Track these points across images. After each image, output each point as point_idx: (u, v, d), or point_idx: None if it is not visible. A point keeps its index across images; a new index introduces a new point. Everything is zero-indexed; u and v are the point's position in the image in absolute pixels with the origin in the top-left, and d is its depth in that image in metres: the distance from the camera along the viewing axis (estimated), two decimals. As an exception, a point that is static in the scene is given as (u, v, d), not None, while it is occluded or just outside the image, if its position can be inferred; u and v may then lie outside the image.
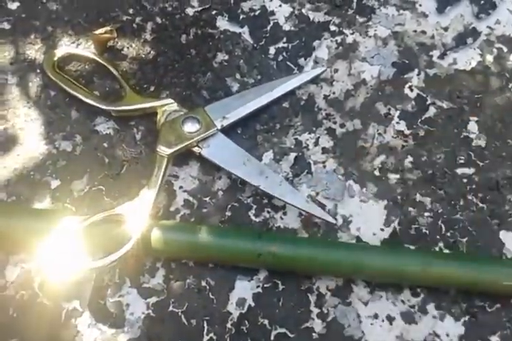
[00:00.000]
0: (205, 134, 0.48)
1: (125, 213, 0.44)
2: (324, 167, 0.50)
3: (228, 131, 0.49)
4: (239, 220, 0.49)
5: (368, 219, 0.49)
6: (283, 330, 0.46)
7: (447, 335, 0.46)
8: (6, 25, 0.55)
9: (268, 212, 0.49)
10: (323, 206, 0.49)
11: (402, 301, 0.47)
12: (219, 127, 0.48)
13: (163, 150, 0.46)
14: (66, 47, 0.54)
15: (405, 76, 0.54)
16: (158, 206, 0.49)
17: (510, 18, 0.56)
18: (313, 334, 0.46)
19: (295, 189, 0.47)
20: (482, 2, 0.56)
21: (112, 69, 0.52)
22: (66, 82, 0.50)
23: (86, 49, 0.54)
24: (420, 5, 0.56)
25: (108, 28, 0.54)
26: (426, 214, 0.49)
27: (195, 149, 0.48)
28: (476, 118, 0.52)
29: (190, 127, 0.48)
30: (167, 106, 0.49)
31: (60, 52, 0.52)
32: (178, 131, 0.47)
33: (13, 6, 0.56)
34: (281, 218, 0.49)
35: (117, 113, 0.51)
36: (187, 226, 0.47)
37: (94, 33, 0.53)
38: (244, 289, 0.47)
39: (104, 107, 0.50)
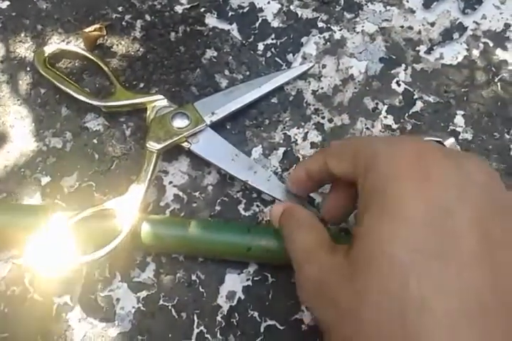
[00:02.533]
0: (194, 130, 0.48)
1: (115, 208, 0.44)
2: (313, 161, 0.51)
3: (217, 126, 0.50)
4: (228, 214, 0.49)
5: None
6: (273, 322, 0.46)
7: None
8: (-4, 24, 0.55)
9: (257, 206, 0.49)
10: (312, 200, 0.49)
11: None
12: (208, 123, 0.48)
13: (153, 146, 0.46)
14: (56, 44, 0.54)
15: (392, 71, 0.54)
16: (148, 201, 0.49)
17: (496, 13, 0.56)
18: (303, 326, 0.46)
19: (283, 184, 0.48)
20: (468, -3, 0.57)
21: (102, 65, 0.52)
22: (57, 78, 0.51)
23: (76, 46, 0.54)
24: (407, 1, 0.57)
25: (97, 26, 0.54)
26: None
27: (185, 144, 0.48)
28: (462, 112, 0.52)
29: (179, 123, 0.48)
30: (157, 101, 0.49)
31: (50, 48, 0.52)
32: (167, 127, 0.48)
33: (3, 5, 0.56)
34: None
35: (107, 108, 0.51)
36: (177, 220, 0.47)
37: (83, 31, 0.53)
38: (234, 282, 0.47)
39: (94, 103, 0.50)
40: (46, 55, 0.52)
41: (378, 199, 0.31)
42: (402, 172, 0.31)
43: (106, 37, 0.55)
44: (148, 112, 0.49)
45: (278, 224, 0.42)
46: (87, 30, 0.54)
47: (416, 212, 0.29)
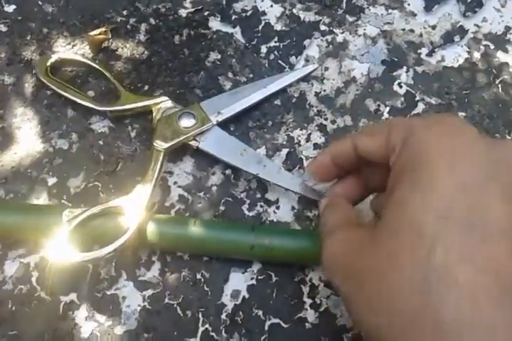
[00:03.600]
0: (201, 129, 0.48)
1: (122, 206, 0.45)
2: (316, 162, 0.51)
3: (222, 128, 0.50)
4: (233, 214, 0.50)
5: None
6: (277, 321, 0.47)
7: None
8: (3, 27, 0.56)
9: (261, 206, 0.50)
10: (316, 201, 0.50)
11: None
12: (214, 122, 0.49)
13: (160, 145, 0.47)
14: (60, 48, 0.54)
15: (394, 73, 0.55)
16: (153, 201, 0.49)
17: (497, 16, 0.57)
18: (307, 324, 0.47)
19: (293, 175, 0.48)
20: (469, 1, 0.58)
21: (104, 71, 0.52)
22: (60, 86, 0.51)
23: (79, 52, 0.55)
24: (409, 4, 0.58)
25: (102, 29, 0.55)
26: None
27: (193, 143, 0.49)
28: (464, 114, 0.53)
29: (186, 122, 0.48)
30: (162, 103, 0.50)
31: (52, 58, 0.52)
32: (174, 126, 0.48)
33: (10, 9, 0.57)
34: (275, 212, 0.50)
35: (113, 113, 0.51)
36: (182, 219, 0.47)
37: (89, 35, 0.54)
38: (239, 281, 0.48)
39: (99, 108, 0.50)
40: (48, 63, 0.52)
41: (411, 171, 0.32)
42: (437, 146, 0.32)
43: (111, 40, 0.55)
44: (153, 114, 0.50)
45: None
46: (92, 33, 0.54)
47: (448, 183, 0.30)
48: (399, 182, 0.33)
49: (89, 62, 0.53)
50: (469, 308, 0.27)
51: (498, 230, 0.29)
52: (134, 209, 0.45)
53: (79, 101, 0.50)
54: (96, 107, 0.50)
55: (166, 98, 0.50)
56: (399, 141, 0.35)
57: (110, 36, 0.55)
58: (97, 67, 0.53)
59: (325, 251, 0.37)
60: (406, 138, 0.34)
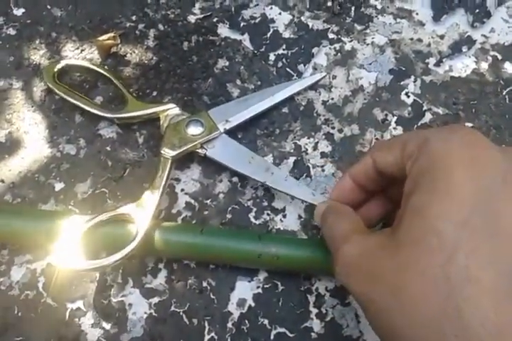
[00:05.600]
0: (208, 136, 0.48)
1: (130, 213, 0.45)
2: (323, 171, 0.51)
3: (229, 135, 0.50)
4: (239, 222, 0.50)
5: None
6: (282, 330, 0.47)
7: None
8: (12, 31, 0.56)
9: (268, 214, 0.50)
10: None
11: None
12: (222, 130, 0.49)
13: (167, 152, 0.47)
14: (66, 60, 0.54)
15: (402, 83, 0.55)
16: (160, 208, 0.49)
17: (505, 27, 0.57)
18: (312, 333, 0.47)
19: (301, 183, 0.48)
20: (477, 11, 0.58)
21: (112, 78, 0.52)
22: (67, 92, 0.51)
23: (87, 57, 0.55)
24: (417, 14, 0.58)
25: (111, 35, 0.55)
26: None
27: (200, 150, 0.49)
28: (471, 124, 0.53)
29: (193, 130, 0.49)
30: (169, 110, 0.50)
31: (60, 64, 0.52)
32: (181, 134, 0.48)
33: (19, 13, 0.57)
34: (281, 220, 0.50)
35: (120, 120, 0.52)
36: (189, 227, 0.48)
37: (97, 40, 0.54)
38: (245, 289, 0.48)
39: (106, 115, 0.50)
40: (55, 69, 0.52)
41: (428, 179, 0.33)
42: (452, 154, 0.33)
43: (119, 45, 0.55)
44: (161, 121, 0.50)
45: (320, 220, 0.43)
46: (100, 38, 0.54)
47: (466, 190, 0.31)
48: (416, 188, 0.33)
49: (97, 69, 0.53)
50: (493, 312, 0.28)
51: None
52: (141, 216, 0.45)
53: (86, 108, 0.50)
54: (103, 114, 0.50)
55: (174, 105, 0.50)
56: (415, 149, 0.35)
57: (119, 41, 0.55)
58: (105, 73, 0.53)
59: (341, 254, 0.37)
60: (421, 146, 0.35)
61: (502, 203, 0.31)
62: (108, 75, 0.53)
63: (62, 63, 0.53)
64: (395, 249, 0.32)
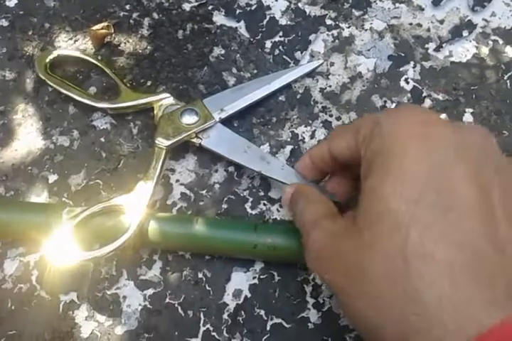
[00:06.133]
0: (203, 126, 0.48)
1: (123, 204, 0.44)
2: (320, 159, 0.51)
3: (225, 124, 0.49)
4: (235, 213, 0.49)
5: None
6: (279, 320, 0.46)
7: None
8: (4, 22, 0.55)
9: (264, 204, 0.49)
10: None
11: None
12: (217, 119, 0.48)
13: (162, 142, 0.46)
14: (58, 50, 0.53)
15: (401, 69, 0.54)
16: (155, 199, 0.49)
17: (506, 11, 0.56)
18: (309, 324, 0.46)
19: (296, 172, 0.47)
20: (477, -5, 0.57)
21: (105, 68, 0.52)
22: (59, 83, 0.50)
23: (81, 47, 0.54)
24: (416, -2, 0.57)
25: (105, 24, 0.54)
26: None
27: (195, 140, 0.48)
28: (471, 110, 0.52)
29: (188, 119, 0.48)
30: (163, 100, 0.49)
31: (52, 54, 0.52)
32: (176, 123, 0.48)
33: (11, 3, 0.56)
34: (278, 210, 0.49)
35: (113, 110, 0.51)
36: (184, 217, 0.47)
37: (91, 29, 0.54)
38: (241, 280, 0.47)
39: (99, 105, 0.50)
40: (47, 60, 0.52)
41: (381, 160, 0.33)
42: (403, 134, 0.33)
43: (113, 35, 0.55)
44: (155, 111, 0.49)
45: (288, 203, 0.43)
46: (94, 28, 0.54)
47: (416, 168, 0.32)
48: (370, 171, 0.34)
49: (90, 59, 0.52)
50: (448, 285, 0.28)
51: (470, 209, 0.30)
52: (135, 207, 0.44)
53: (78, 98, 0.50)
54: (96, 104, 0.50)
55: (168, 95, 0.50)
56: (368, 133, 0.36)
57: (113, 31, 0.54)
58: (98, 63, 0.52)
59: (309, 241, 0.37)
60: (373, 130, 0.35)
61: (455, 178, 0.31)
62: (100, 65, 0.52)
63: (54, 54, 0.52)
64: (356, 233, 0.33)
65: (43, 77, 0.51)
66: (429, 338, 0.28)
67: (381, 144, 0.34)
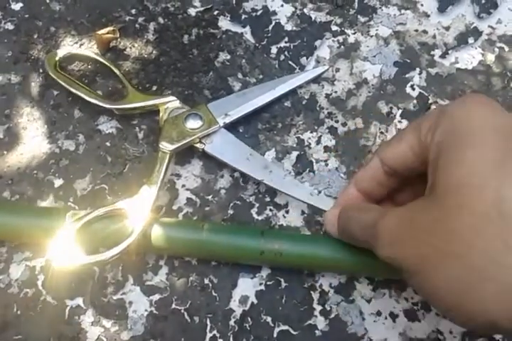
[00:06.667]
0: (207, 131, 0.48)
1: (127, 208, 0.44)
2: (326, 165, 0.51)
3: (231, 129, 0.49)
4: (241, 218, 0.49)
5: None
6: (286, 327, 0.46)
7: (450, 332, 0.46)
8: (10, 26, 0.55)
9: (271, 210, 0.49)
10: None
11: (406, 298, 0.47)
12: (221, 124, 0.48)
13: (166, 147, 0.46)
14: (68, 47, 0.54)
15: (407, 75, 0.54)
16: (160, 204, 0.49)
17: (512, 18, 0.56)
18: (316, 331, 0.46)
19: (299, 182, 0.47)
20: (483, 2, 0.57)
21: (113, 68, 0.52)
22: (68, 81, 0.50)
23: (88, 49, 0.54)
24: (422, 5, 0.57)
25: (111, 28, 0.54)
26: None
27: (198, 145, 0.48)
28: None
29: (192, 124, 0.48)
30: (169, 103, 0.49)
31: (61, 52, 0.52)
32: (180, 128, 0.47)
33: (17, 7, 0.56)
34: (284, 216, 0.49)
35: (120, 111, 0.51)
36: (190, 223, 0.47)
37: (96, 33, 0.53)
38: (247, 286, 0.47)
39: (106, 106, 0.49)
40: (57, 58, 0.51)
41: (454, 136, 0.34)
42: (471, 112, 0.34)
43: (119, 39, 0.54)
44: (161, 114, 0.49)
45: (337, 228, 0.43)
46: (100, 32, 0.54)
47: (493, 137, 0.32)
48: (442, 151, 0.34)
49: (99, 58, 0.52)
50: None
51: None
52: (138, 211, 0.44)
53: (86, 98, 0.49)
54: (103, 104, 0.49)
55: (174, 98, 0.50)
56: (433, 122, 0.36)
57: (118, 35, 0.54)
58: (106, 63, 0.52)
59: (381, 229, 0.36)
60: (439, 116, 0.36)
61: None
62: (109, 65, 0.52)
63: (64, 51, 0.52)
64: (436, 204, 0.33)
65: (52, 75, 0.50)
66: None
67: (450, 124, 0.34)
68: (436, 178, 0.33)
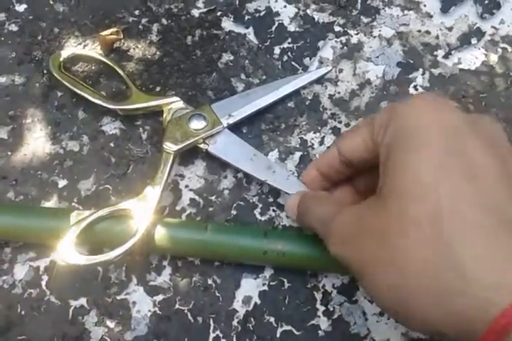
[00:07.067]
0: (211, 131, 0.48)
1: (131, 208, 0.44)
2: (329, 166, 0.51)
3: (234, 130, 0.49)
4: (245, 219, 0.49)
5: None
6: (289, 328, 0.46)
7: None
8: (14, 27, 0.55)
9: (274, 210, 0.49)
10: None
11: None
12: (225, 125, 0.48)
13: (169, 147, 0.46)
14: (71, 48, 0.54)
15: (410, 76, 0.54)
16: (164, 205, 0.49)
17: (515, 18, 0.56)
18: (319, 331, 0.46)
19: (302, 183, 0.47)
20: (486, 2, 0.57)
21: (117, 68, 0.52)
22: (72, 82, 0.51)
23: (92, 50, 0.54)
24: (425, 5, 0.57)
25: (114, 30, 0.54)
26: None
27: (202, 146, 0.48)
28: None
29: (196, 124, 0.48)
30: (173, 104, 0.50)
31: (66, 53, 0.52)
32: (184, 128, 0.48)
33: (21, 8, 0.56)
34: (287, 216, 0.49)
35: (124, 112, 0.51)
36: (192, 223, 0.47)
37: (100, 34, 0.54)
38: (251, 287, 0.47)
39: (110, 106, 0.50)
40: (61, 59, 0.52)
41: (401, 138, 0.34)
42: (419, 111, 0.35)
43: (122, 40, 0.55)
44: (164, 114, 0.49)
45: (296, 213, 0.43)
46: (103, 33, 0.54)
47: (439, 141, 0.33)
48: (391, 151, 0.34)
49: (103, 59, 0.52)
50: (483, 245, 0.29)
51: (491, 176, 0.31)
52: (142, 212, 0.44)
53: (90, 98, 0.50)
54: (107, 105, 0.50)
55: (178, 98, 0.50)
56: (384, 120, 0.37)
57: (122, 36, 0.54)
58: (110, 63, 0.52)
59: (334, 226, 0.38)
60: (390, 114, 0.36)
61: (472, 149, 0.32)
62: (113, 65, 0.52)
63: (68, 52, 0.52)
64: (382, 206, 0.33)
65: (57, 76, 0.51)
66: (467, 294, 0.28)
67: (399, 124, 0.35)
68: (384, 180, 0.34)
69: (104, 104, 0.50)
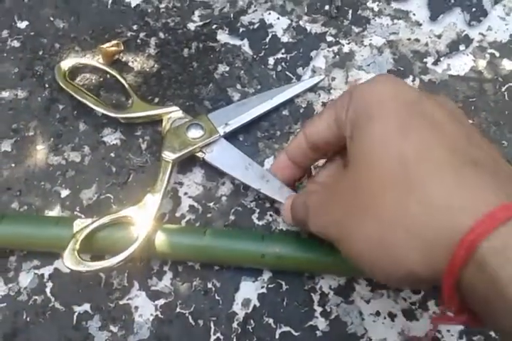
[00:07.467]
0: (208, 140, 0.49)
1: (132, 215, 0.45)
2: (324, 171, 0.52)
3: (231, 138, 0.51)
4: (242, 224, 0.50)
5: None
6: (287, 329, 0.47)
7: (448, 331, 0.47)
8: (16, 43, 0.57)
9: (271, 215, 0.50)
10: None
11: (404, 298, 0.48)
12: (221, 133, 0.50)
13: (168, 156, 0.48)
14: (76, 58, 0.56)
15: (401, 82, 0.55)
16: (163, 212, 0.50)
17: (502, 25, 0.58)
18: (317, 332, 0.47)
19: (294, 192, 0.48)
20: (474, 10, 0.58)
21: (119, 77, 0.54)
22: (77, 91, 0.52)
23: (94, 60, 0.56)
24: (414, 14, 0.58)
25: (115, 42, 0.56)
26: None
27: (199, 154, 0.49)
28: (471, 122, 0.53)
29: (194, 133, 0.49)
30: (172, 113, 0.51)
31: (70, 62, 0.54)
32: (182, 137, 0.49)
33: (23, 25, 0.58)
34: (284, 221, 0.50)
35: (125, 120, 0.52)
36: (191, 229, 0.48)
37: (101, 47, 0.55)
38: (249, 290, 0.48)
39: (112, 115, 0.51)
40: (66, 68, 0.54)
41: (364, 109, 0.36)
42: (376, 87, 0.37)
43: (122, 53, 0.56)
44: (163, 123, 0.51)
45: (290, 216, 0.45)
46: (105, 45, 0.55)
47: (398, 107, 0.34)
48: (356, 123, 0.36)
49: (106, 69, 0.54)
50: (451, 177, 0.30)
51: (447, 124, 0.33)
52: (143, 219, 0.45)
53: (94, 107, 0.51)
54: (109, 113, 0.51)
55: (177, 108, 0.51)
56: (345, 102, 0.38)
57: (123, 48, 0.56)
58: (113, 73, 0.54)
59: (309, 205, 0.40)
60: (352, 95, 0.38)
61: (431, 108, 0.34)
62: (115, 74, 0.54)
63: (73, 61, 0.54)
64: (350, 173, 0.36)
65: (62, 85, 0.53)
66: (435, 221, 0.29)
67: (359, 102, 0.37)
68: (351, 151, 0.36)
69: (107, 113, 0.51)
